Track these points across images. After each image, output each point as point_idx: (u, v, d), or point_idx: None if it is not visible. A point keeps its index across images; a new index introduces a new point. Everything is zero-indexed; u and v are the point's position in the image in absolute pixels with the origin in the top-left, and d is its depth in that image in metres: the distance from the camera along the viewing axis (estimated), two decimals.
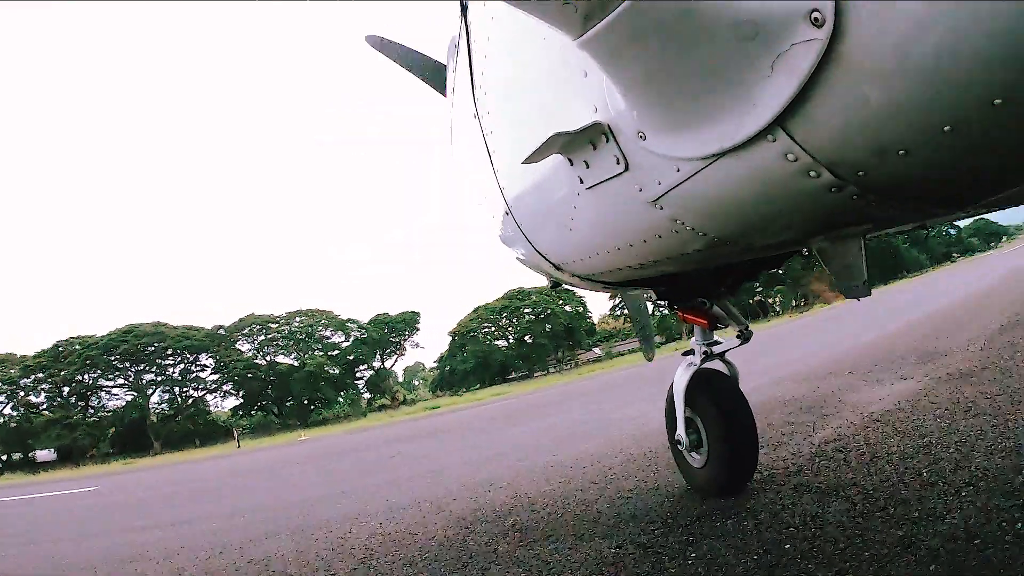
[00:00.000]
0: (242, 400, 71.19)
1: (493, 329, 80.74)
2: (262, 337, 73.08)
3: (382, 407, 69.46)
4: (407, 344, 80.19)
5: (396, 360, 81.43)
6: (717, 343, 4.22)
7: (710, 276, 3.96)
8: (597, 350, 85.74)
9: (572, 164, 2.46)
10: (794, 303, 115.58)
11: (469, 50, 3.54)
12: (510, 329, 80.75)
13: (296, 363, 71.60)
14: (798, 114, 1.47)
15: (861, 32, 1.28)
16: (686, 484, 4.48)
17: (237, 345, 71.61)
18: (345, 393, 74.90)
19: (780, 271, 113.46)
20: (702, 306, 4.11)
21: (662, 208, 2.18)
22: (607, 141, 2.18)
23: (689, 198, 2.03)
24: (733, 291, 4.17)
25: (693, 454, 4.16)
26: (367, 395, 77.70)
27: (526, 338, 79.66)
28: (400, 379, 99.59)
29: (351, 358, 75.40)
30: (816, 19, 1.31)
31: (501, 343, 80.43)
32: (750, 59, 1.47)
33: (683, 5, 1.47)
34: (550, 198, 2.93)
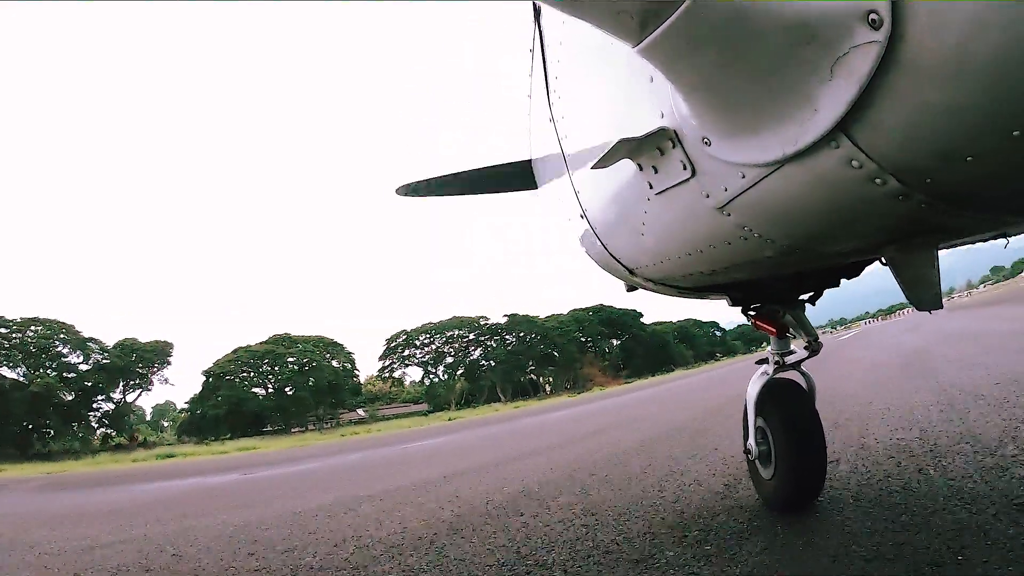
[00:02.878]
0: None
1: (252, 375, 77.96)
2: None
3: (118, 446, 64.00)
4: (156, 378, 74.36)
5: (140, 394, 75.10)
6: (791, 352, 4.12)
7: (787, 283, 3.90)
8: (361, 411, 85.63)
9: (642, 169, 2.47)
10: (567, 385, 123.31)
11: (543, 54, 3.65)
12: (271, 377, 78.36)
13: (24, 380, 64.21)
14: (860, 120, 1.45)
15: (920, 33, 1.24)
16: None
17: None
18: (77, 424, 68.03)
19: (554, 352, 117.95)
20: (775, 314, 4.04)
21: (729, 215, 2.19)
22: (673, 147, 2.19)
23: (755, 205, 2.04)
24: (814, 300, 4.14)
25: (762, 465, 4.12)
26: (105, 430, 70.84)
27: (287, 389, 77.38)
28: (148, 417, 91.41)
29: (89, 384, 68.80)
30: (873, 20, 1.29)
31: (259, 391, 77.31)
32: (809, 63, 1.45)
33: (737, 10, 1.47)
34: (622, 202, 2.95)
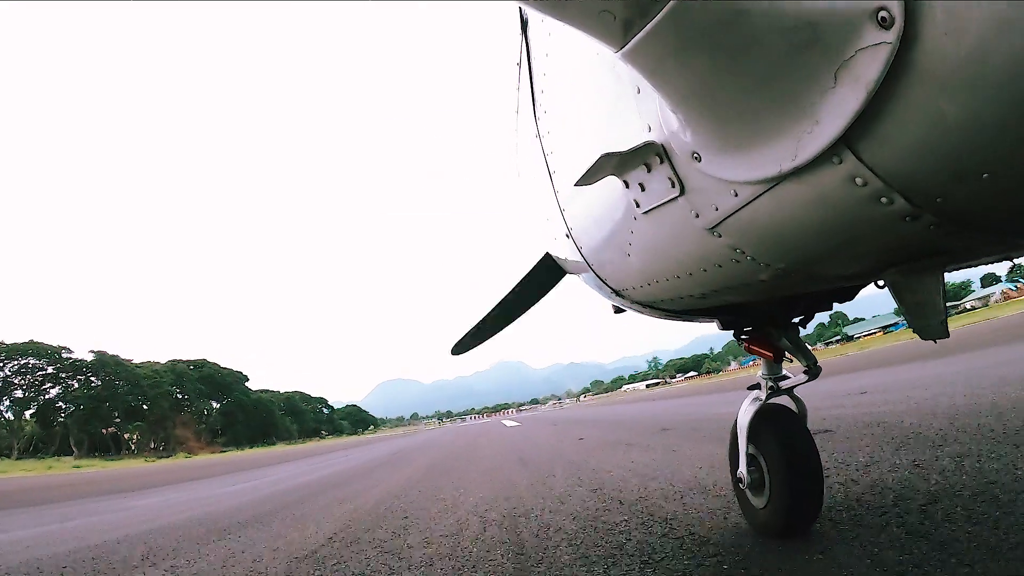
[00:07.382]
0: None
1: None
2: None
3: None
4: None
5: None
6: (784, 377, 3.87)
7: (780, 305, 3.71)
8: None
9: (628, 187, 2.37)
10: (153, 445, 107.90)
11: (530, 67, 3.54)
12: None
13: None
14: (866, 132, 1.33)
15: (937, 33, 1.13)
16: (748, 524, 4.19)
17: None
18: None
19: (145, 405, 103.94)
20: (769, 337, 3.81)
21: (720, 235, 2.07)
22: (661, 162, 2.08)
23: (748, 225, 1.90)
24: (805, 322, 3.90)
25: (754, 493, 3.87)
26: None
27: None
28: None
29: None
30: (884, 19, 1.17)
31: None
32: (810, 69, 1.34)
33: (730, 9, 1.35)
34: (608, 221, 2.83)
